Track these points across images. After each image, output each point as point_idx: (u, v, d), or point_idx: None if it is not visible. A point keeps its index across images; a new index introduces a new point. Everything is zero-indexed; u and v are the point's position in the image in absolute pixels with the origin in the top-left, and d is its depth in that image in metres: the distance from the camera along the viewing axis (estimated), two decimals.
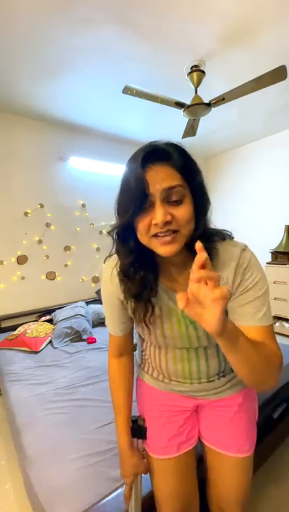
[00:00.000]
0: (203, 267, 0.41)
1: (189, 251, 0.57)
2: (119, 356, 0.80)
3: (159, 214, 0.50)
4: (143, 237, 0.55)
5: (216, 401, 0.75)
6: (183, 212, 0.52)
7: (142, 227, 0.53)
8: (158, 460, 0.75)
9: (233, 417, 0.74)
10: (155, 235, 0.53)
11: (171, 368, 0.73)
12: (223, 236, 0.62)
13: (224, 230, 0.64)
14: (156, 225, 0.51)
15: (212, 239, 0.60)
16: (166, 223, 0.51)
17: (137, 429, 0.78)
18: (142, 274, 0.60)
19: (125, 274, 0.62)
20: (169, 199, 0.52)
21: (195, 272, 0.41)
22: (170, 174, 0.51)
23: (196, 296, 0.41)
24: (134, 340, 0.83)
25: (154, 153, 0.52)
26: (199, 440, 0.80)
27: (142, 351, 0.82)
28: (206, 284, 0.40)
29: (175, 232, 0.52)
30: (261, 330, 0.57)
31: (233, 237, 0.64)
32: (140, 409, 0.84)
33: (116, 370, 0.79)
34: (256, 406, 0.81)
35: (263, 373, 0.53)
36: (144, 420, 0.80)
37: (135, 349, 0.88)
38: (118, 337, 0.77)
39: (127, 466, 0.75)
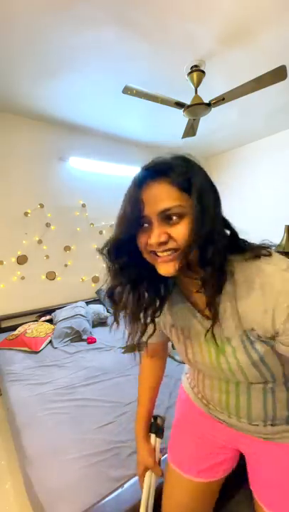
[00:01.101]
0: None
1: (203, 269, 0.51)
2: (151, 357, 0.81)
3: (153, 234, 0.48)
4: (144, 254, 0.52)
5: (260, 443, 0.62)
6: (180, 231, 0.47)
7: (141, 244, 0.51)
8: (173, 470, 0.73)
9: (285, 471, 0.59)
10: (155, 252, 0.50)
11: (208, 393, 0.67)
12: (257, 255, 0.49)
13: (263, 246, 0.52)
14: (151, 244, 0.49)
15: (231, 259, 0.50)
16: (161, 244, 0.48)
17: (154, 426, 0.80)
18: (146, 288, 0.56)
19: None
20: (166, 218, 0.48)
21: None
22: (167, 192, 0.47)
23: None
24: None
25: (153, 170, 0.49)
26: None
27: None
28: None
29: (176, 250, 0.48)
30: None
31: (269, 255, 0.50)
32: (176, 415, 0.83)
33: (146, 367, 0.82)
34: None
35: None
36: (163, 420, 0.81)
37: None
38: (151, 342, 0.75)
39: (139, 456, 0.77)
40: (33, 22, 1.44)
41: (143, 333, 0.59)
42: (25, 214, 2.57)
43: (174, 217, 0.47)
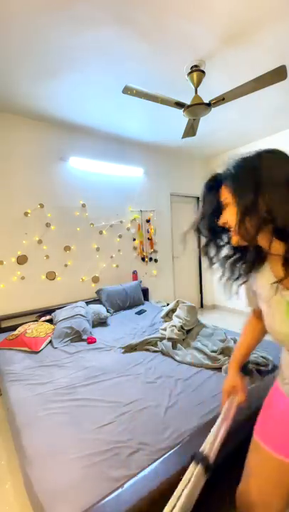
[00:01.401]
0: None
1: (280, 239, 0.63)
2: (255, 316, 0.92)
3: (220, 218, 0.69)
4: None
5: None
6: (226, 215, 0.67)
7: None
8: (259, 445, 0.76)
9: None
10: None
11: (286, 372, 0.73)
12: None
13: None
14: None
15: None
16: (223, 224, 0.68)
17: (244, 368, 0.97)
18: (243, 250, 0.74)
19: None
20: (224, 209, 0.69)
21: None
22: (223, 192, 0.68)
23: None
24: None
25: (219, 179, 0.69)
26: None
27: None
28: None
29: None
30: None
31: None
32: (268, 394, 0.85)
33: (251, 322, 0.95)
34: None
35: None
36: (252, 368, 1.00)
37: None
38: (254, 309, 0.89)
39: (230, 377, 0.91)
40: (31, 22, 1.44)
41: (235, 280, 0.75)
42: (25, 214, 2.57)
43: (224, 208, 0.68)
